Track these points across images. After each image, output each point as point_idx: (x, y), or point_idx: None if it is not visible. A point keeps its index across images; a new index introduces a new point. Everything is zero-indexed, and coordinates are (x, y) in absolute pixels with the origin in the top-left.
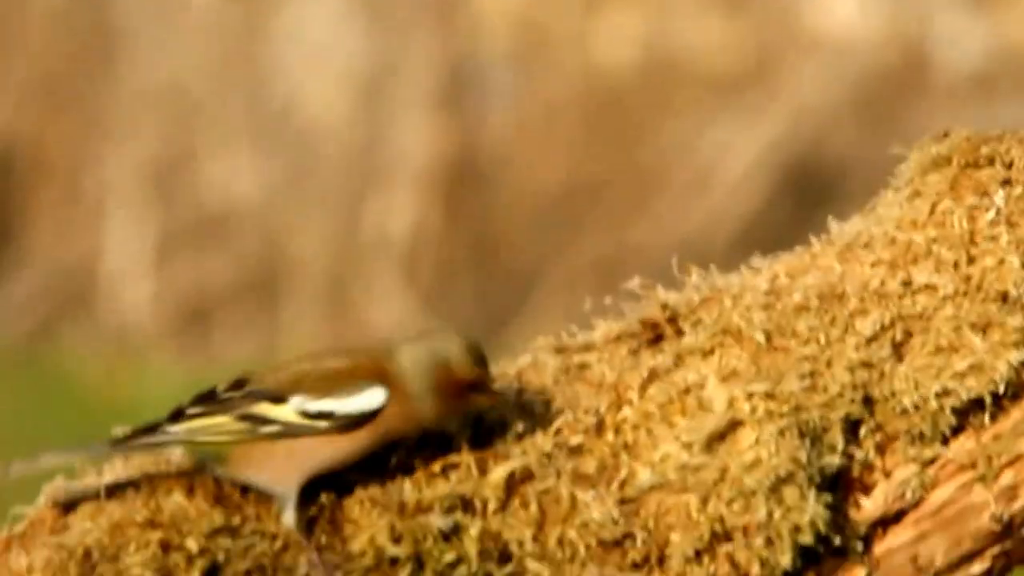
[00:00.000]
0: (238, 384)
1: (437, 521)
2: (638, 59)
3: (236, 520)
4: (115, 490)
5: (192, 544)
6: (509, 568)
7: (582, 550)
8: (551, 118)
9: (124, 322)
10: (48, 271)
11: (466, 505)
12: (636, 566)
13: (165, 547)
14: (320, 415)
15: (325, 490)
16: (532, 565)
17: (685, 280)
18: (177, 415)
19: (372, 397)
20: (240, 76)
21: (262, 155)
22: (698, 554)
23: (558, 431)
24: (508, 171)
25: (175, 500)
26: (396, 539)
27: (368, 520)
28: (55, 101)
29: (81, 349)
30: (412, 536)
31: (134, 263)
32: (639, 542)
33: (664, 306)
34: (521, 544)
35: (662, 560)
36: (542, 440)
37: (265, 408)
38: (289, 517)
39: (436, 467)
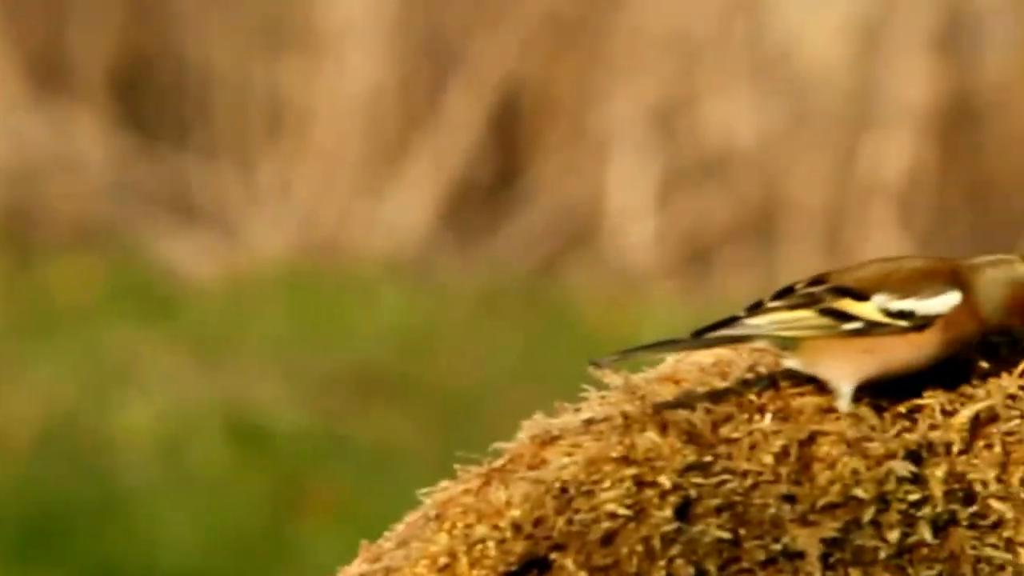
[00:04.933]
0: (817, 282)
1: (900, 468)
2: None
3: (708, 457)
4: (591, 426)
5: (665, 480)
6: (973, 508)
7: None
8: None
9: (626, 259)
10: (553, 209)
11: (930, 447)
12: None
13: (639, 483)
14: (901, 314)
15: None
16: (996, 505)
17: None
18: (756, 307)
19: (948, 298)
20: (741, 20)
21: (761, 97)
22: None
23: (1023, 373)
24: (1004, 114)
25: (649, 437)
26: (859, 482)
27: (835, 460)
28: (561, 43)
29: (584, 285)
30: (876, 480)
31: (637, 202)
32: None
33: None
34: (985, 484)
35: None
36: (1007, 381)
37: (848, 304)
38: (845, 404)
39: (903, 408)
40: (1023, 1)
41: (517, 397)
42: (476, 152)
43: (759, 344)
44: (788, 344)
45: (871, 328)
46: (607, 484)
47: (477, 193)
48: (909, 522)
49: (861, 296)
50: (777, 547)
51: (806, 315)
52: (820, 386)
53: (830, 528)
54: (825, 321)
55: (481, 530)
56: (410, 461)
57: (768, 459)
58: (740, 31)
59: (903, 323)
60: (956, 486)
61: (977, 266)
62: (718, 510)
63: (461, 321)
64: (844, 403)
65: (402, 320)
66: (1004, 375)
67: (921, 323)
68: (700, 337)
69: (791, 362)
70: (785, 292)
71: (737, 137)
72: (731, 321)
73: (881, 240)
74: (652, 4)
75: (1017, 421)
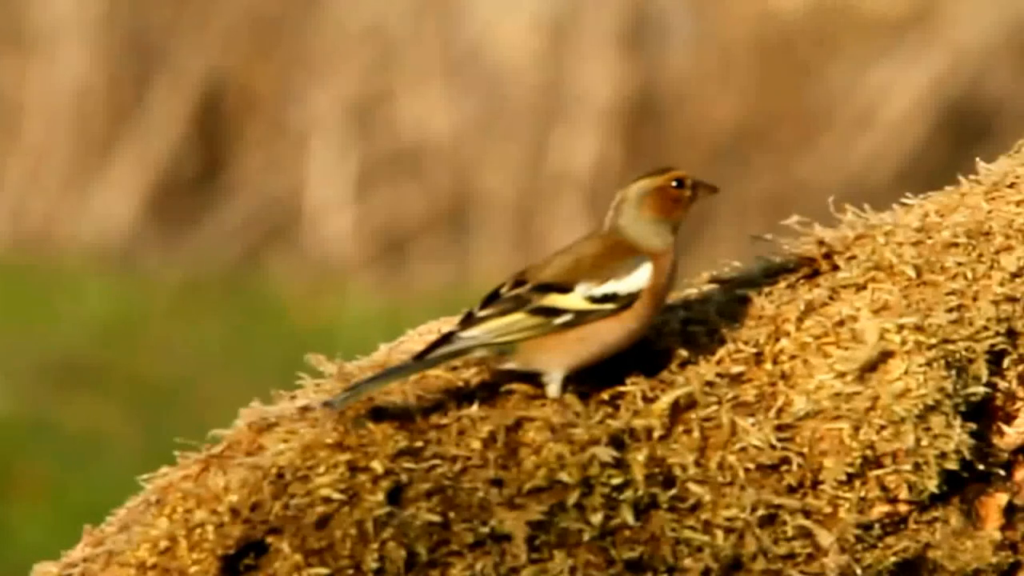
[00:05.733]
0: (518, 282)
1: (603, 454)
2: (808, 3)
3: (419, 443)
4: (307, 413)
5: (377, 466)
6: (673, 491)
7: (741, 474)
8: (725, 59)
9: (325, 250)
10: (255, 202)
11: (632, 433)
12: (791, 489)
13: (352, 468)
14: (606, 298)
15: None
16: (694, 488)
17: (841, 218)
18: (468, 320)
19: (643, 270)
20: (434, 18)
21: (454, 93)
22: (850, 478)
23: (720, 360)
24: (684, 109)
25: (362, 423)
26: (564, 466)
27: (541, 446)
28: (262, 40)
29: (285, 276)
30: (580, 464)
31: (335, 195)
32: (795, 466)
33: (820, 242)
34: (684, 468)
35: (816, 484)
36: (705, 369)
37: (554, 299)
38: (554, 390)
39: (605, 395)
40: (701, 2)
41: (220, 385)
42: (180, 147)
43: (479, 354)
44: (506, 349)
45: (582, 317)
46: (322, 469)
47: (181, 187)
48: (612, 505)
49: (565, 289)
50: (485, 530)
51: (518, 318)
52: (532, 376)
53: (536, 511)
54: (537, 320)
55: (200, 514)
56: (115, 447)
57: (476, 444)
58: (434, 28)
59: (611, 306)
60: (657, 470)
61: (616, 228)
62: (428, 494)
63: (165, 311)
64: (554, 388)
65: (108, 310)
66: (702, 362)
67: (627, 301)
68: (423, 359)
69: (510, 364)
70: (492, 298)
71: (431, 131)
72: (448, 338)
73: (569, 230)
74: (349, 2)
75: (715, 407)
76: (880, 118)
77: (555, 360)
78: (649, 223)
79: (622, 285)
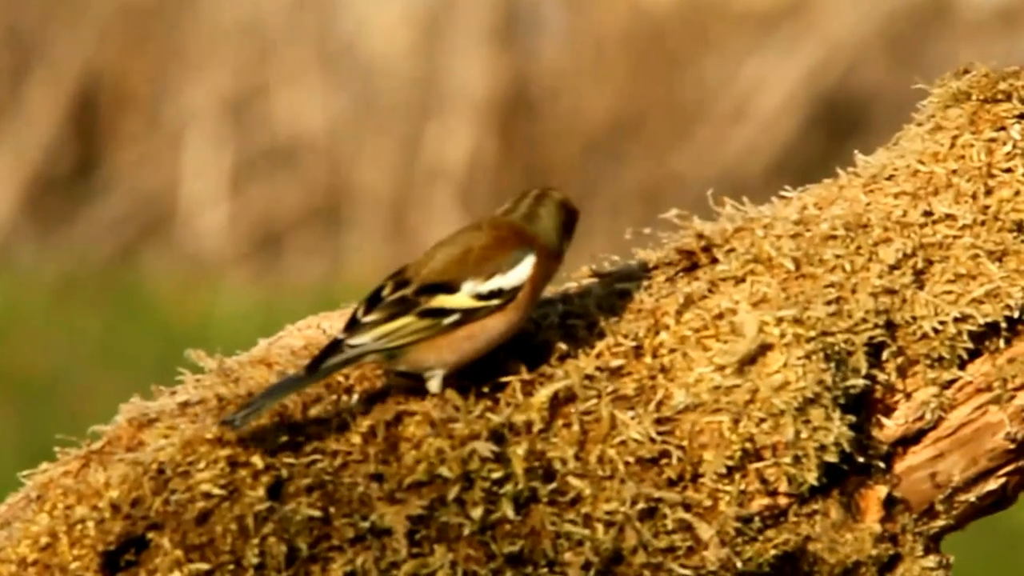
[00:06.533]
0: (401, 283)
1: (483, 448)
2: None
3: (299, 438)
4: (187, 408)
5: (258, 461)
6: (553, 485)
7: (621, 468)
8: (599, 53)
9: (200, 246)
10: (130, 198)
11: (512, 427)
12: (672, 482)
13: (232, 463)
14: (492, 294)
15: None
16: (574, 482)
17: (719, 211)
18: (353, 326)
19: (527, 263)
20: (309, 12)
21: (329, 87)
22: (730, 471)
23: (599, 354)
24: (558, 103)
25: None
26: (444, 461)
27: (421, 441)
28: (137, 35)
29: (160, 271)
30: (460, 459)
31: (210, 190)
32: (674, 460)
33: (699, 235)
34: (564, 462)
35: (696, 477)
36: (584, 362)
37: (442, 300)
38: (435, 385)
39: (485, 387)
40: None
41: (97, 380)
42: (55, 143)
43: (369, 360)
44: (396, 353)
45: (469, 315)
46: (202, 465)
47: (56, 183)
48: (492, 500)
49: (451, 288)
50: (366, 524)
51: (407, 321)
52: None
53: (416, 506)
54: (427, 323)
55: (81, 511)
56: None
57: (356, 439)
58: (309, 22)
59: (496, 301)
60: (536, 464)
61: (529, 215)
62: (309, 489)
63: (40, 307)
64: (435, 384)
65: None
66: (582, 356)
67: (511, 296)
68: (315, 371)
69: (399, 367)
70: (374, 301)
71: (306, 126)
72: (335, 347)
73: (443, 223)
74: None
75: (594, 401)
76: (754, 110)
77: (442, 359)
78: (558, 228)
79: (507, 279)
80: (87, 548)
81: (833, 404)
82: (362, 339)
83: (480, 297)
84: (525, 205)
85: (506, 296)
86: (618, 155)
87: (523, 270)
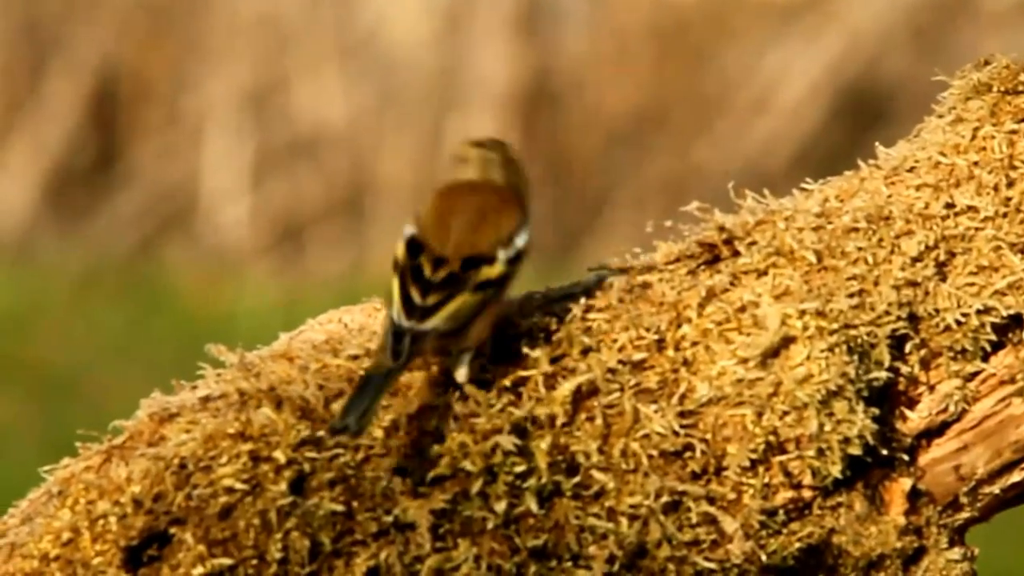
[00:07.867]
0: (439, 260)
1: (506, 442)
2: None
3: (321, 432)
4: (208, 403)
5: (280, 455)
6: (577, 479)
7: (644, 461)
8: (622, 45)
9: (221, 239)
10: (150, 191)
11: (535, 421)
12: (695, 476)
13: (255, 458)
14: (518, 257)
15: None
16: (598, 475)
17: (741, 203)
18: (413, 311)
19: (527, 222)
20: (329, 4)
21: (350, 79)
22: (753, 464)
23: (621, 347)
24: (581, 95)
25: (264, 413)
26: (467, 455)
27: (444, 435)
28: (156, 28)
29: (181, 264)
30: (483, 453)
31: (231, 183)
32: (698, 453)
33: (721, 228)
34: (588, 456)
35: (719, 470)
36: (606, 356)
37: (486, 272)
38: (463, 374)
39: (507, 382)
40: None
41: (118, 374)
42: (75, 136)
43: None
44: (460, 332)
45: (504, 283)
46: (224, 459)
47: (77, 176)
48: (516, 493)
49: (490, 259)
50: (389, 519)
51: (465, 298)
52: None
53: (439, 500)
54: (479, 296)
55: (103, 506)
56: (15, 438)
57: (379, 433)
58: (329, 14)
59: (520, 265)
60: (560, 458)
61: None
62: (331, 483)
63: (62, 301)
64: (463, 372)
65: (5, 301)
66: (604, 349)
67: (525, 255)
68: (396, 366)
69: (453, 347)
70: (425, 283)
71: (327, 118)
72: (400, 337)
73: None
74: None
75: (617, 394)
76: (776, 102)
77: (481, 334)
78: (526, 180)
79: (520, 239)
80: (109, 543)
81: (856, 397)
82: (433, 323)
83: (511, 262)
84: (495, 161)
85: (525, 257)
86: (640, 147)
87: (526, 229)
